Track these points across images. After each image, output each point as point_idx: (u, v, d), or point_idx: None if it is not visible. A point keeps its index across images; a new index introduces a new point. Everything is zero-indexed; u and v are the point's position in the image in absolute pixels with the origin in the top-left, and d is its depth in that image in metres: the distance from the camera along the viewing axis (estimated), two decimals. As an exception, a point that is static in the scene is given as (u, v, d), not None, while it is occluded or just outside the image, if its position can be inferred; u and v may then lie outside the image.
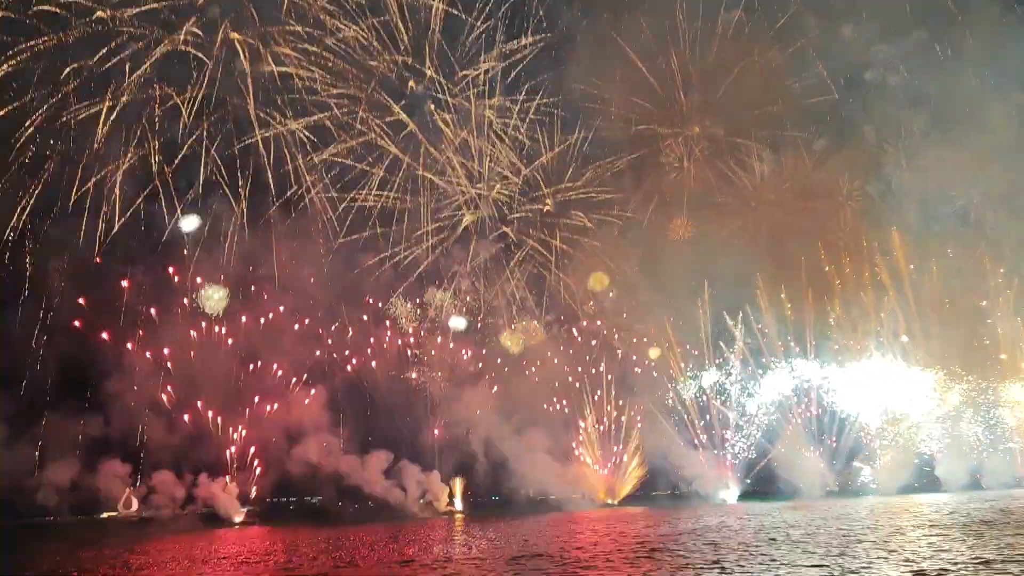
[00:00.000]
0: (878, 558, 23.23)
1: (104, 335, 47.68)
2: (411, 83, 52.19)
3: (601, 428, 58.35)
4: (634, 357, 60.69)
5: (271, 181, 49.50)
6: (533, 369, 58.13)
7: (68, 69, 43.67)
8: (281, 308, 51.85)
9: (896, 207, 57.42)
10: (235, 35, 47.05)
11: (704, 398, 59.73)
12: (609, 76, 54.82)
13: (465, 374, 57.27)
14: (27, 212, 44.40)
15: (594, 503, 58.15)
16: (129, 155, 46.09)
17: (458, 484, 56.83)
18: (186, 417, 48.02)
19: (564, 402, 58.26)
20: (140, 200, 46.98)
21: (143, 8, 44.70)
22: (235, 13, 46.81)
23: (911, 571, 20.66)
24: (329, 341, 54.12)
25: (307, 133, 50.05)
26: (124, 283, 48.21)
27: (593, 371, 59.16)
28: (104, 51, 44.14)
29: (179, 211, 48.15)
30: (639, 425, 58.25)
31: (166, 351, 48.57)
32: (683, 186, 57.74)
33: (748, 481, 59.61)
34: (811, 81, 55.60)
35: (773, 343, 59.54)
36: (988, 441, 59.71)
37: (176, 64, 46.43)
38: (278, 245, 50.50)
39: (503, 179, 55.97)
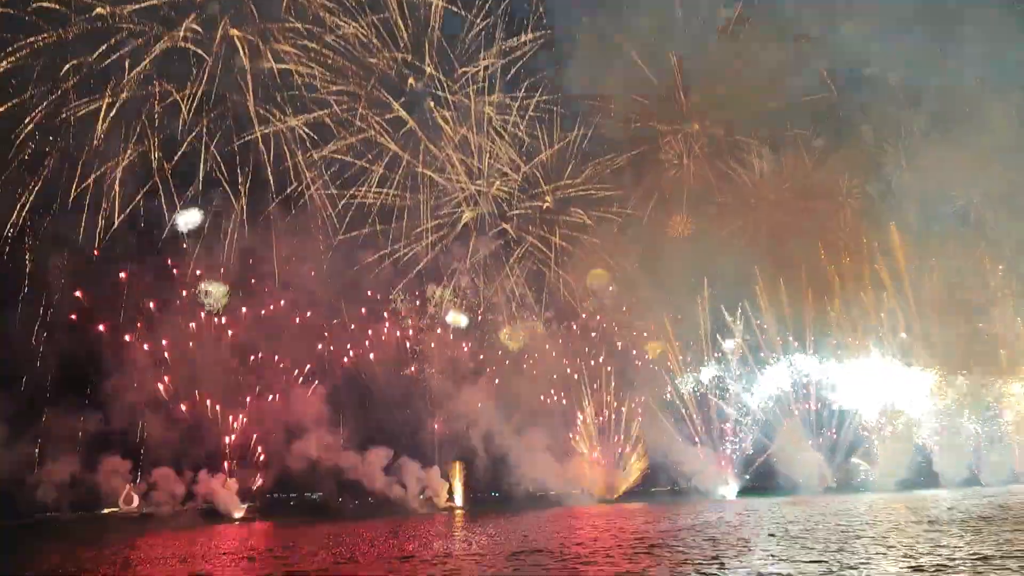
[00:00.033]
0: (877, 554, 23.30)
1: (102, 330, 47.59)
2: (411, 80, 52.30)
3: (600, 419, 58.51)
4: (634, 351, 60.85)
5: (271, 178, 49.65)
6: (531, 363, 58.25)
7: (68, 65, 43.60)
8: (282, 302, 51.87)
9: (896, 207, 57.54)
10: (235, 32, 47.06)
11: (702, 393, 59.94)
12: (609, 73, 54.90)
13: (465, 370, 57.38)
14: (27, 209, 44.41)
15: (593, 498, 58.31)
16: (129, 152, 46.14)
17: (458, 469, 56.41)
18: (183, 407, 47.87)
19: (563, 395, 58.43)
20: (140, 197, 46.99)
21: (143, 5, 44.72)
22: (235, 10, 46.85)
23: (909, 567, 20.72)
24: (326, 335, 54.17)
25: (307, 130, 50.19)
26: (122, 275, 48.06)
27: (592, 363, 59.33)
28: (104, 47, 44.21)
29: (179, 208, 48.28)
30: (639, 419, 58.42)
31: (164, 342, 48.48)
32: (683, 183, 57.99)
33: (747, 477, 59.82)
34: (811, 80, 55.80)
35: (772, 340, 59.74)
36: (986, 437, 60.02)
37: (176, 61, 46.47)
38: (278, 242, 50.53)
39: (503, 176, 56.09)
